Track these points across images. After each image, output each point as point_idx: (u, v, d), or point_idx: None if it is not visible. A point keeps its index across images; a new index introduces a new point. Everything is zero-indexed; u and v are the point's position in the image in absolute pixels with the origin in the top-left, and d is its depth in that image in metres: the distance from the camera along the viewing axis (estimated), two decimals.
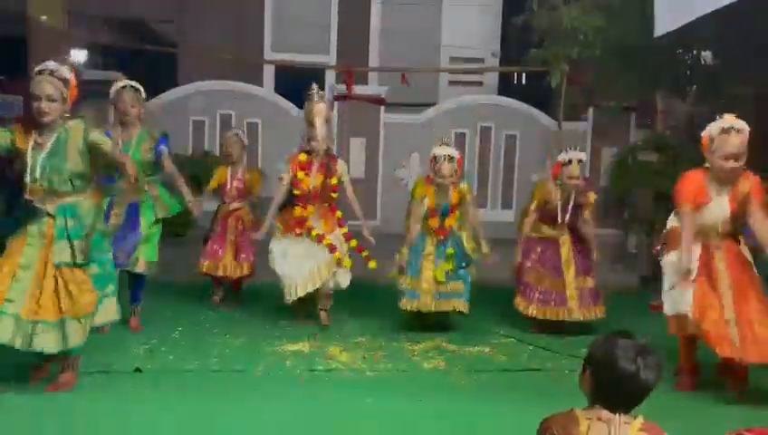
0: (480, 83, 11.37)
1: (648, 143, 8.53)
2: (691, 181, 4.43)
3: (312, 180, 5.63)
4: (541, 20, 8.39)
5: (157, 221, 5.42)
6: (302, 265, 5.58)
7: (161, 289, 6.08)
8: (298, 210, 5.67)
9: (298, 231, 5.64)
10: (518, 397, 4.30)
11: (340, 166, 5.72)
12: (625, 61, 7.97)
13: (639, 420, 2.07)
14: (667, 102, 8.60)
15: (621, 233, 8.55)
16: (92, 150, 4.12)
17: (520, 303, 5.88)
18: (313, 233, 5.62)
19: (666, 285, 4.61)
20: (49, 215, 4.06)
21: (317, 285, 5.60)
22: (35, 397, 4.01)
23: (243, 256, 6.33)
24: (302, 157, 5.65)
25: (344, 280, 5.74)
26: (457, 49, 11.25)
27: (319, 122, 5.55)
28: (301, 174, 5.62)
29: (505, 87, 11.59)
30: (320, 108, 5.57)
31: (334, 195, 5.71)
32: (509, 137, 9.65)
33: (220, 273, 6.29)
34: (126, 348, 4.94)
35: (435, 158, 5.61)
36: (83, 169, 4.11)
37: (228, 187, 6.36)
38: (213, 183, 6.44)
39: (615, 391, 2.06)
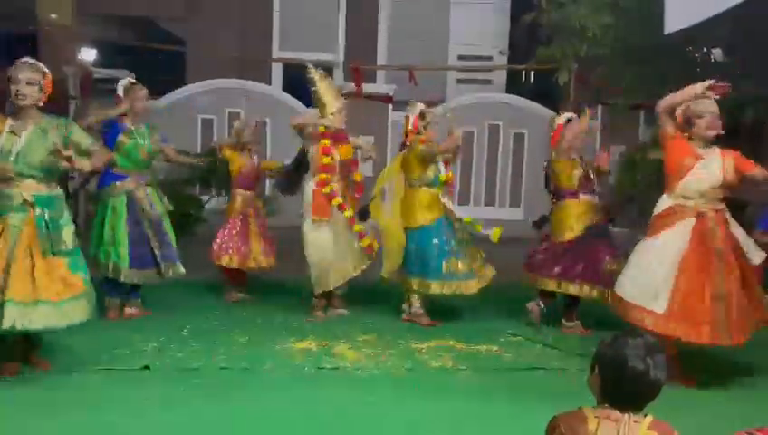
0: (488, 81, 11.36)
1: (658, 141, 8.48)
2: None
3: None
4: (549, 18, 8.37)
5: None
6: (336, 254, 5.73)
7: (168, 287, 6.08)
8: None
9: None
10: (526, 396, 4.28)
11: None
12: (633, 58, 7.94)
13: (649, 419, 2.06)
14: None
15: (629, 231, 8.51)
16: (75, 148, 4.25)
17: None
18: (346, 213, 5.73)
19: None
20: (26, 202, 4.14)
21: (347, 278, 5.85)
22: (38, 394, 4.03)
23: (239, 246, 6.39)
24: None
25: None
26: (465, 47, 11.23)
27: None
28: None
29: (513, 85, 11.56)
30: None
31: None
32: (517, 135, 9.62)
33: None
34: (134, 346, 4.95)
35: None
36: (55, 163, 4.21)
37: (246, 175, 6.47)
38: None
39: (624, 390, 2.05)
